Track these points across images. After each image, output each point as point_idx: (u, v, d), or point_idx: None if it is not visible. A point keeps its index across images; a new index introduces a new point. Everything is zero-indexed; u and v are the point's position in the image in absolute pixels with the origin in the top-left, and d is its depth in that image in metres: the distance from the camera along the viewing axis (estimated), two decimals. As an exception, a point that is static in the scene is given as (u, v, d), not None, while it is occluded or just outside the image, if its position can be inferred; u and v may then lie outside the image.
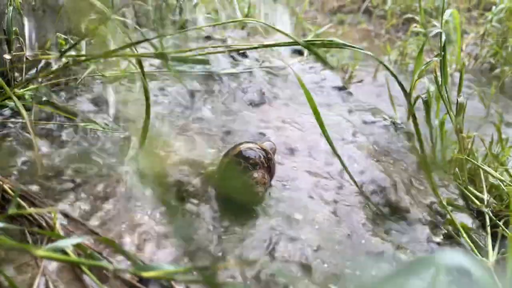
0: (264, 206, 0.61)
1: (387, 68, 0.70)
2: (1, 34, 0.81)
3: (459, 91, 0.87)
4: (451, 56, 1.82)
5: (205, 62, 0.57)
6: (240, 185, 0.58)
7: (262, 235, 0.56)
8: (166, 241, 0.52)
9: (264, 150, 0.62)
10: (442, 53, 0.86)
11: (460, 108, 0.85)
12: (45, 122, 0.73)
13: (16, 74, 0.88)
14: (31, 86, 0.85)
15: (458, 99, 0.84)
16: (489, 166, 0.88)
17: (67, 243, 0.41)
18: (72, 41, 1.12)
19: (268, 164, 0.60)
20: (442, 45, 0.86)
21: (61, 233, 0.50)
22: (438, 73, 0.88)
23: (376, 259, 0.57)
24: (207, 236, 0.55)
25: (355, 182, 0.67)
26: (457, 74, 1.71)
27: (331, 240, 0.57)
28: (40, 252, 0.38)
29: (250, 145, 0.61)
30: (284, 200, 0.63)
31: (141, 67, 0.63)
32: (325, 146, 0.79)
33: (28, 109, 0.78)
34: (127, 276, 0.46)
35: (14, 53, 0.85)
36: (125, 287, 0.45)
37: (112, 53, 0.60)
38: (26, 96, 0.84)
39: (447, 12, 0.91)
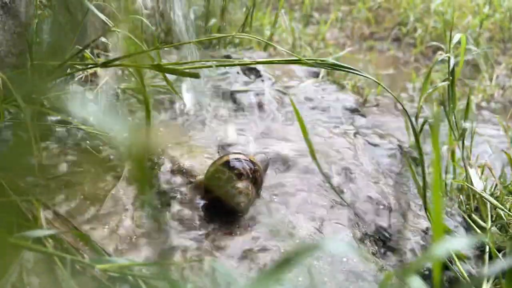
0: (248, 216, 0.62)
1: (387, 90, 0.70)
2: (25, 44, 0.88)
3: (465, 117, 0.85)
4: (479, 85, 1.78)
5: (196, 75, 0.59)
6: (223, 194, 0.59)
7: (241, 244, 0.57)
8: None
9: (252, 161, 0.62)
10: (451, 78, 0.85)
11: (465, 134, 0.83)
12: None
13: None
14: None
15: (464, 126, 0.83)
16: (496, 196, 0.84)
17: (38, 234, 0.43)
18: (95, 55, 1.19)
19: (253, 176, 0.61)
20: (450, 70, 0.85)
21: (45, 226, 0.52)
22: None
23: (356, 278, 0.56)
24: (183, 241, 0.56)
25: (330, 183, 0.67)
26: (484, 104, 1.66)
27: (310, 255, 0.57)
28: (10, 239, 0.40)
29: (238, 155, 0.62)
30: (269, 213, 0.63)
31: (140, 75, 0.66)
32: (322, 164, 0.78)
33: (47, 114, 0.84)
34: (98, 274, 0.48)
35: (36, 62, 0.91)
36: (94, 284, 0.47)
37: (110, 62, 0.64)
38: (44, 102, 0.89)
39: (456, 36, 0.89)
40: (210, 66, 0.65)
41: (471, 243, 0.57)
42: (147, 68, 0.64)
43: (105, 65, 0.64)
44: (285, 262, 0.21)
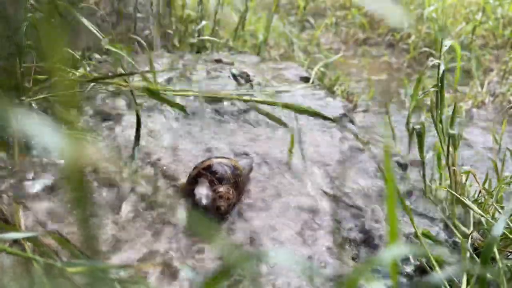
0: (229, 221, 0.62)
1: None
2: (15, 48, 0.88)
3: (451, 124, 0.86)
4: (470, 91, 1.79)
5: (183, 109, 0.60)
6: (204, 198, 0.59)
7: (221, 248, 0.57)
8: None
9: (234, 166, 0.63)
10: (439, 84, 0.86)
11: (452, 141, 0.84)
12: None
13: (27, 84, 0.94)
14: (39, 96, 0.92)
15: (450, 132, 0.83)
16: (480, 202, 0.85)
17: (16, 236, 0.43)
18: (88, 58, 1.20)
19: (235, 180, 0.62)
20: (440, 76, 0.86)
21: (24, 229, 0.53)
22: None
23: (333, 283, 0.56)
24: (164, 244, 0.56)
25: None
26: (474, 110, 1.67)
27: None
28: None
29: (221, 160, 0.63)
30: (251, 217, 0.64)
31: (133, 95, 0.67)
32: (308, 169, 0.79)
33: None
34: (76, 278, 0.48)
35: (26, 65, 0.91)
36: (71, 287, 0.47)
37: (106, 79, 0.65)
38: (33, 104, 0.90)
39: (447, 43, 0.90)
40: (217, 96, 0.65)
41: (414, 252, 0.58)
42: (137, 89, 0.65)
43: (95, 80, 0.65)
44: (225, 272, 0.21)
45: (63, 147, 0.19)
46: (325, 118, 0.62)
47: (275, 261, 0.23)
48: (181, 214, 0.59)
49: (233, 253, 0.22)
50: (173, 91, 0.73)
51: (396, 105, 1.65)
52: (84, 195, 0.21)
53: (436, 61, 0.92)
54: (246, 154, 0.80)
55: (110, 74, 0.75)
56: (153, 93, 0.62)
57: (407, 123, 1.00)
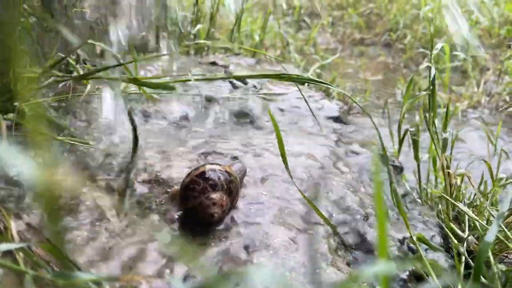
0: (222, 227, 0.62)
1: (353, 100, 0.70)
2: (8, 52, 0.88)
3: (444, 127, 0.86)
4: (466, 92, 1.80)
5: (171, 88, 0.59)
6: (197, 205, 0.59)
7: (214, 255, 0.57)
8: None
9: (227, 172, 0.63)
10: (431, 87, 0.86)
11: (445, 144, 0.84)
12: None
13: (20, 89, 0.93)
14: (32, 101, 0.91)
15: (443, 135, 0.83)
16: (476, 204, 0.85)
17: (7, 247, 0.43)
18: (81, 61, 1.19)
19: (228, 187, 0.61)
20: (431, 79, 0.86)
21: (16, 238, 0.52)
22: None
23: (327, 290, 0.56)
24: (156, 252, 0.56)
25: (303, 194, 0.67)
26: (470, 110, 1.67)
27: (283, 266, 0.57)
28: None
29: (214, 166, 0.63)
30: (245, 224, 0.63)
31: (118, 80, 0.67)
32: (301, 173, 0.79)
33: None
34: None
35: (19, 70, 0.91)
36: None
37: (90, 75, 0.64)
38: (26, 110, 0.89)
39: (438, 45, 0.90)
40: (189, 80, 0.65)
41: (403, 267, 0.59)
42: (124, 81, 0.65)
43: (82, 77, 0.65)
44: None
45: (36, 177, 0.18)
46: (321, 83, 0.61)
47: (255, 282, 0.22)
48: (161, 234, 0.58)
49: (210, 274, 0.21)
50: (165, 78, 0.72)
51: (392, 106, 1.65)
52: (56, 217, 0.21)
53: (427, 64, 0.92)
54: (236, 158, 0.80)
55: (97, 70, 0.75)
56: (137, 81, 0.61)
57: (399, 126, 1.00)
